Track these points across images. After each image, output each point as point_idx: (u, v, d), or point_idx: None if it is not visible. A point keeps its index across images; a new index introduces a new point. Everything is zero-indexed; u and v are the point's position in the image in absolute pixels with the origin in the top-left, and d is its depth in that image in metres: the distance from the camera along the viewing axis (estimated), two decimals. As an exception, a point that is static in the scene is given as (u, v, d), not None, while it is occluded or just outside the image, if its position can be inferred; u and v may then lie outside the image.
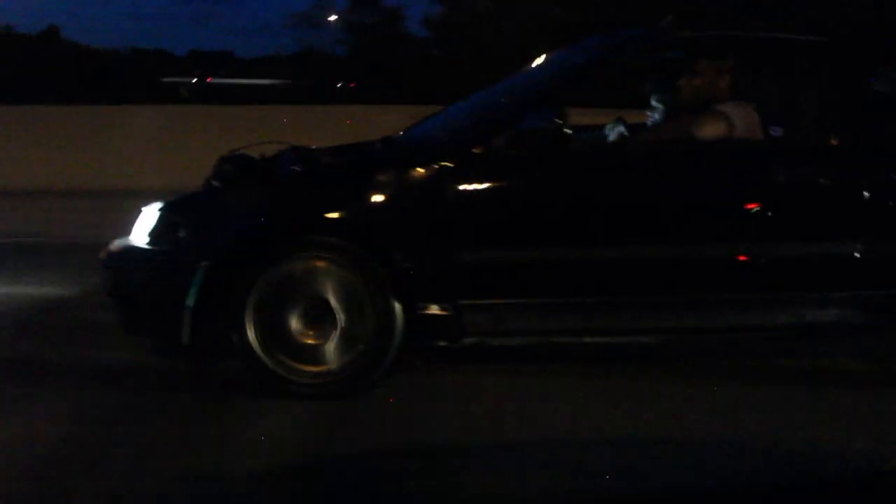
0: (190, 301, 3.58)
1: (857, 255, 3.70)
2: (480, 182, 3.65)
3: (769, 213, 3.71)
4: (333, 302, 3.63)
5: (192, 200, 3.84)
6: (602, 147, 4.05)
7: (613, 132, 4.12)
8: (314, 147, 4.23)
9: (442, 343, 3.74)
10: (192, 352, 3.71)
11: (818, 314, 3.76)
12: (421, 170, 3.65)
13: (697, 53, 4.03)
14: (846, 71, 4.01)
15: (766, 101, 4.15)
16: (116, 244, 3.86)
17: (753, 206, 3.71)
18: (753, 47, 4.21)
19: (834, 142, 3.83)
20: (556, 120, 3.57)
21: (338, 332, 3.64)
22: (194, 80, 37.59)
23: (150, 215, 3.75)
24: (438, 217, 3.61)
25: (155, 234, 3.70)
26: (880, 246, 3.74)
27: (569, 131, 3.61)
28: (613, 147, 4.04)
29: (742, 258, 3.71)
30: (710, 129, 3.87)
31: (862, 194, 3.73)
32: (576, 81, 3.93)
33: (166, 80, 36.50)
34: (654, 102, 4.48)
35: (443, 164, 3.64)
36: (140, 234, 3.75)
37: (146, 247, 3.71)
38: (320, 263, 3.62)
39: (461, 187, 3.61)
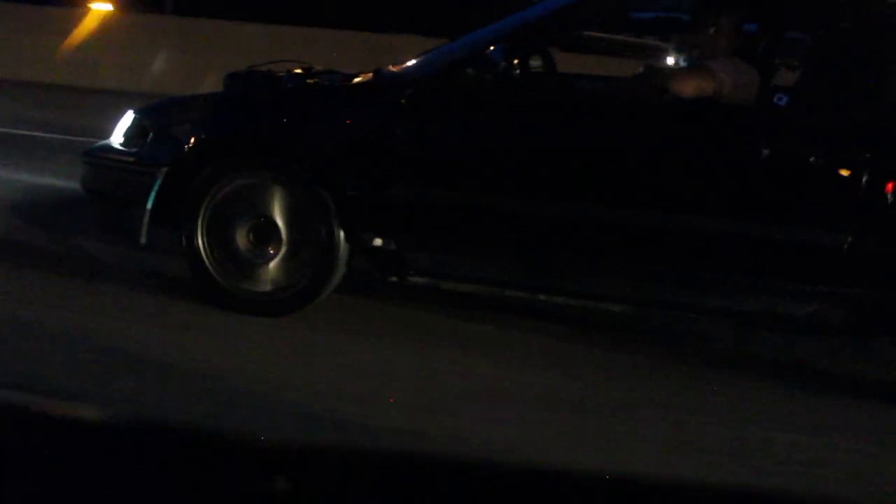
0: (149, 204, 3.69)
1: (844, 247, 3.38)
2: (425, 118, 3.55)
3: (744, 189, 3.43)
4: (280, 223, 3.64)
5: (162, 106, 3.94)
6: (556, 93, 3.75)
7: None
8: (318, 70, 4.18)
9: (393, 278, 3.70)
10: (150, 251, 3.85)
11: (794, 307, 3.46)
12: (373, 100, 3.60)
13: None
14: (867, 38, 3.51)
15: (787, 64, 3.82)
16: (100, 143, 4.01)
17: (727, 178, 3.44)
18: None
19: (839, 120, 3.44)
20: (507, 60, 3.42)
21: (282, 253, 3.66)
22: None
23: (127, 118, 3.87)
24: (384, 149, 3.55)
25: (128, 137, 3.82)
26: (872, 242, 3.38)
27: (516, 72, 3.43)
28: (568, 94, 3.77)
29: (710, 234, 3.43)
30: (691, 87, 3.52)
31: (860, 183, 3.37)
32: (543, 23, 3.65)
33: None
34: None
35: (394, 96, 3.57)
36: (118, 135, 3.88)
37: (119, 147, 3.84)
38: (270, 182, 3.64)
39: (407, 121, 3.53)
